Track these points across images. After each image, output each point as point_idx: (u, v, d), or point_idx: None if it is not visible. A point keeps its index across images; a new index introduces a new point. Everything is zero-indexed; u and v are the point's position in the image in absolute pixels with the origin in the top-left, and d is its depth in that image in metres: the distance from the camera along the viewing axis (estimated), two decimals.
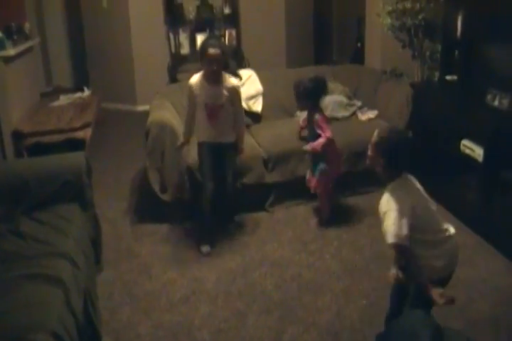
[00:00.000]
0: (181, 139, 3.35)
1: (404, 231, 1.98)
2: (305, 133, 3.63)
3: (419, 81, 4.28)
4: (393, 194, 2.06)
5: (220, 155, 3.27)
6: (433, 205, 2.16)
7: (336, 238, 3.36)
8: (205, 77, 3.12)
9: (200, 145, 3.30)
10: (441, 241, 2.13)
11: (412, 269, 2.09)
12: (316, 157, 3.45)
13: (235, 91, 3.17)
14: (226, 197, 3.40)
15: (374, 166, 2.12)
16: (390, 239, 2.01)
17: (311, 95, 3.36)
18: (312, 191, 3.54)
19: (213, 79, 3.10)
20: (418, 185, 2.18)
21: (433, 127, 3.80)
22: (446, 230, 2.15)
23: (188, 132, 3.31)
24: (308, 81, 3.36)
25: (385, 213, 2.04)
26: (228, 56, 3.19)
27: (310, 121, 3.46)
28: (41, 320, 1.99)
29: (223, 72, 3.14)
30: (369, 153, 2.13)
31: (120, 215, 3.75)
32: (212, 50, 2.98)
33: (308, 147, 3.42)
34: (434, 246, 2.10)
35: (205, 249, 3.23)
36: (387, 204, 2.05)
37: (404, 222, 1.99)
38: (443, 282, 2.15)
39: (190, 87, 3.18)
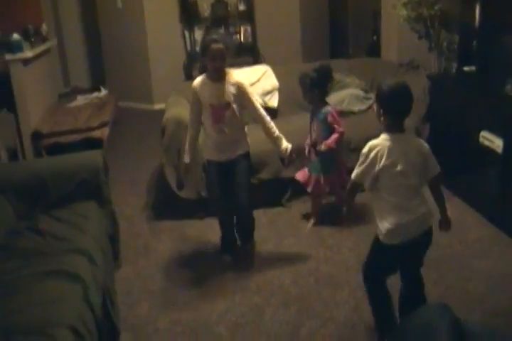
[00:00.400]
0: (185, 159, 3.02)
1: (361, 174, 2.18)
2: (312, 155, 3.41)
3: (437, 72, 4.22)
4: (376, 140, 2.17)
5: (232, 173, 2.95)
6: (414, 175, 2.16)
7: (354, 233, 3.34)
8: (208, 75, 2.89)
9: (207, 162, 3.05)
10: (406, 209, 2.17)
11: None
12: (325, 154, 3.29)
13: (241, 87, 2.86)
14: (241, 222, 3.11)
15: (378, 119, 2.23)
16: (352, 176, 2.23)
17: (317, 84, 3.25)
18: (309, 190, 3.40)
19: (217, 76, 2.85)
20: (414, 150, 2.18)
21: (451, 119, 3.75)
22: (419, 205, 2.19)
23: (192, 149, 3.02)
24: (313, 71, 3.26)
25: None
26: (231, 52, 2.98)
27: (316, 115, 3.33)
28: (60, 315, 2.02)
29: (227, 69, 2.90)
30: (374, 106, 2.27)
31: (137, 212, 3.78)
32: (215, 46, 2.75)
33: (323, 147, 3.23)
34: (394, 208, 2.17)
35: (227, 258, 3.14)
36: (365, 147, 2.18)
37: (364, 166, 2.16)
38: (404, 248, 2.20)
39: (193, 89, 2.91)
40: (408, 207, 2.17)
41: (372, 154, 2.14)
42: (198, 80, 2.93)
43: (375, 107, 2.25)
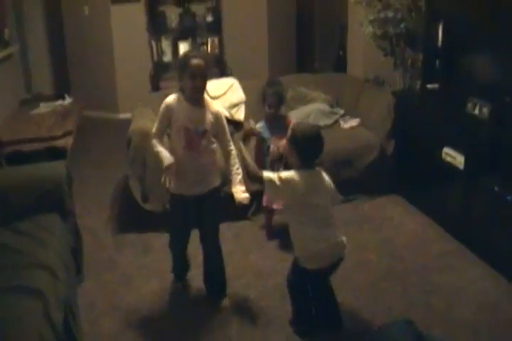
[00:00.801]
0: (166, 161, 2.53)
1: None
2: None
3: (401, 89, 4.32)
4: (291, 173, 2.36)
5: (202, 209, 2.69)
6: (324, 208, 2.42)
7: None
8: (185, 97, 2.56)
9: (172, 196, 2.69)
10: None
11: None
12: (275, 162, 3.25)
13: (220, 118, 2.62)
14: (212, 269, 2.82)
15: (289, 158, 2.46)
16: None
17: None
18: (264, 204, 3.41)
19: (196, 97, 2.54)
20: (325, 182, 2.47)
21: (415, 135, 3.83)
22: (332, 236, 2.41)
23: (166, 148, 2.62)
24: (277, 85, 3.43)
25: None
26: (211, 69, 2.78)
27: (277, 120, 3.38)
28: (19, 336, 1.95)
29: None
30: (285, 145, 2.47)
31: (101, 225, 3.70)
32: (195, 61, 2.47)
33: (273, 146, 3.23)
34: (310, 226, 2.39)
35: (178, 286, 2.95)
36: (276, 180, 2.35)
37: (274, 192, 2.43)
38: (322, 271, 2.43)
39: (167, 106, 2.58)
40: (322, 237, 2.37)
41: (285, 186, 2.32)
42: (172, 98, 2.60)
43: (287, 146, 2.44)
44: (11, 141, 4.10)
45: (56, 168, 3.10)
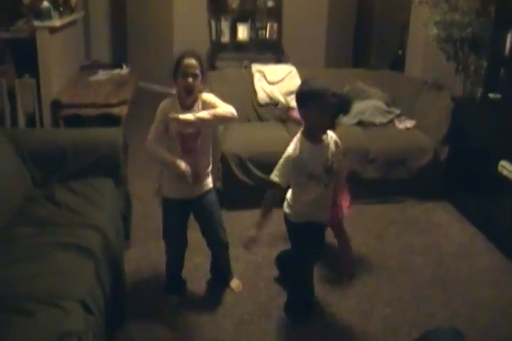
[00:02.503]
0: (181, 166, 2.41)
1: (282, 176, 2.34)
2: None
3: (461, 95, 4.24)
4: (295, 140, 2.38)
5: (201, 208, 2.65)
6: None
7: (364, 245, 3.33)
8: (178, 99, 2.48)
9: (167, 201, 2.63)
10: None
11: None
12: None
13: (210, 104, 2.49)
14: (220, 261, 2.84)
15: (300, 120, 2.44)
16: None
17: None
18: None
19: (187, 96, 2.44)
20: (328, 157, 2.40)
21: (471, 143, 3.77)
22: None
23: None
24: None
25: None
26: (205, 71, 2.48)
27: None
28: (71, 288, 2.02)
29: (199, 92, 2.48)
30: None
31: (151, 195, 3.74)
32: (187, 60, 2.39)
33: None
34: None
35: (174, 299, 2.73)
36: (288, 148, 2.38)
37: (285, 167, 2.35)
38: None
39: (162, 110, 2.48)
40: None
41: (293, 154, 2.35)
42: (166, 102, 2.52)
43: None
44: (69, 103, 4.21)
45: (113, 135, 3.17)
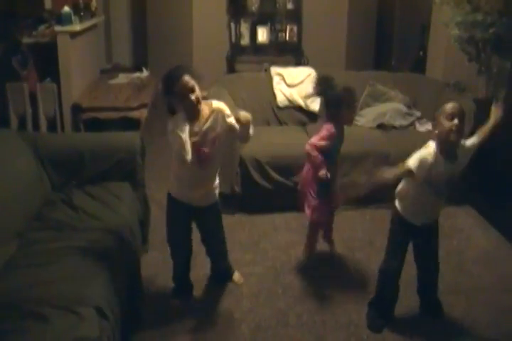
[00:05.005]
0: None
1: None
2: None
3: (484, 97, 4.16)
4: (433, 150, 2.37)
5: (204, 221, 2.69)
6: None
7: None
8: (185, 116, 2.36)
9: (173, 200, 2.58)
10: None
11: None
12: None
13: (220, 112, 2.44)
14: (221, 271, 2.89)
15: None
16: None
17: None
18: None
19: (194, 111, 2.37)
20: None
21: (495, 148, 3.68)
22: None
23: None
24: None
25: None
26: (198, 77, 2.37)
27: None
28: (86, 294, 2.03)
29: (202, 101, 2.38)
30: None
31: None
32: (181, 81, 2.29)
33: None
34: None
35: (177, 302, 2.73)
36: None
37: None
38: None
39: (176, 123, 2.36)
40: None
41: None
42: (172, 123, 2.38)
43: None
44: (89, 107, 4.25)
45: (131, 139, 3.17)
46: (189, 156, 2.31)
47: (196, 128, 2.38)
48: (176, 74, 2.33)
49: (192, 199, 2.55)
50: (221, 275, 2.90)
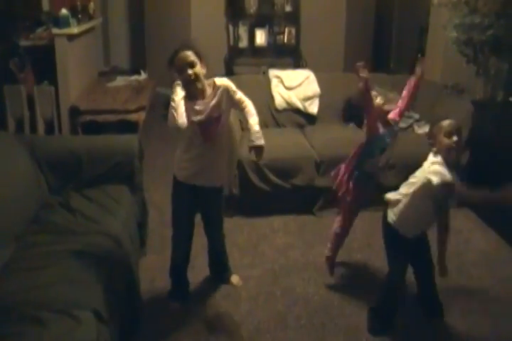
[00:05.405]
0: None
1: None
2: None
3: (482, 99, 4.17)
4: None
5: (205, 206, 2.68)
6: None
7: (382, 251, 3.24)
8: (186, 94, 2.32)
9: (178, 183, 2.58)
10: None
11: None
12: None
13: (226, 90, 2.40)
14: (218, 258, 2.87)
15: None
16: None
17: None
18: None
19: (193, 89, 2.34)
20: None
21: (493, 148, 3.70)
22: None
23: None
24: None
25: None
26: (204, 60, 2.37)
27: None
28: (84, 297, 2.02)
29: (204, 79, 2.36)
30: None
31: (167, 201, 3.68)
32: (181, 54, 2.31)
33: None
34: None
35: (175, 305, 2.70)
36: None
37: None
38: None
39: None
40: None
41: None
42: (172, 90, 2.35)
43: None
44: (87, 110, 4.24)
45: (129, 142, 3.17)
46: (182, 120, 2.25)
47: (201, 107, 2.36)
48: (180, 47, 2.36)
49: (202, 178, 2.50)
50: (219, 273, 2.88)
